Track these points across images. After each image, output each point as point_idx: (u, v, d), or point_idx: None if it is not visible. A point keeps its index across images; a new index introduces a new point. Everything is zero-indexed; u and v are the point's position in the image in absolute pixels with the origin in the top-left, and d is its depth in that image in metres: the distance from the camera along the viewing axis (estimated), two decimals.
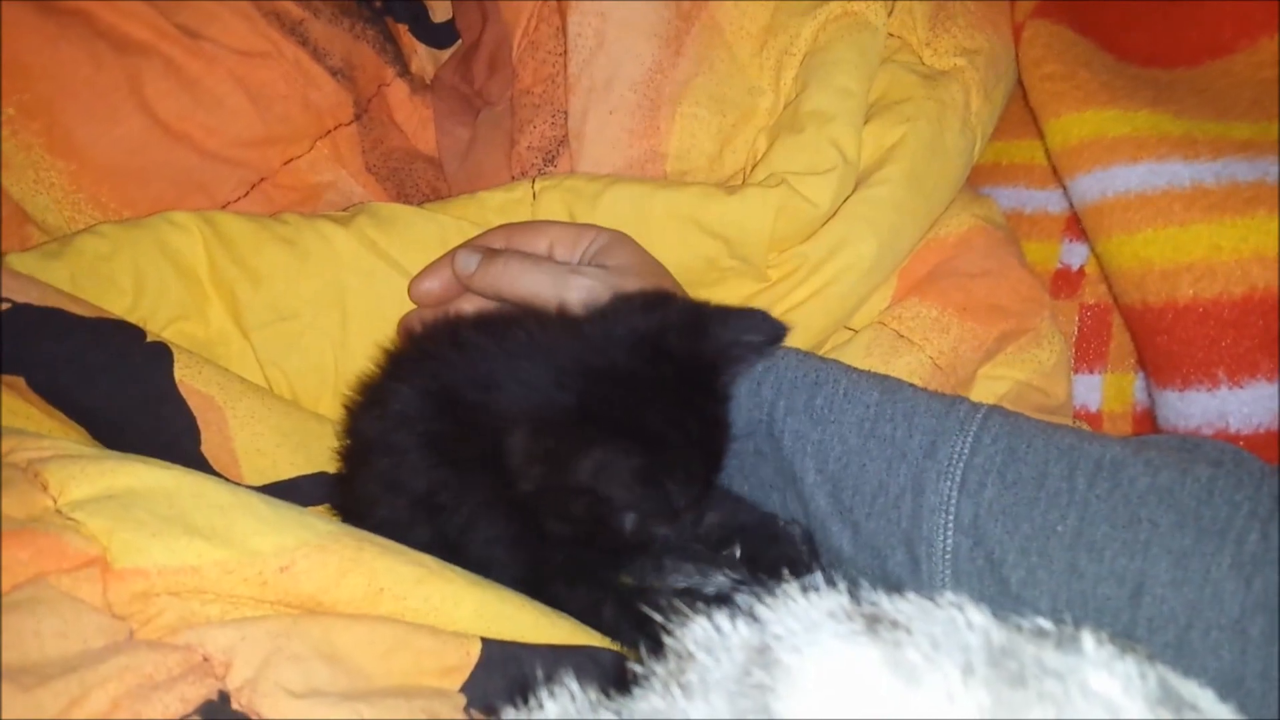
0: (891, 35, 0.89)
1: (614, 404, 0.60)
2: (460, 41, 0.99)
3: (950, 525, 0.60)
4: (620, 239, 0.76)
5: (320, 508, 0.71)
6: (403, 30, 0.98)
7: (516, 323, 0.66)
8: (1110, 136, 0.78)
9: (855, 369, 0.69)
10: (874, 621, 0.30)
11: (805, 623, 0.29)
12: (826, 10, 0.87)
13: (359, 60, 0.91)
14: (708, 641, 0.30)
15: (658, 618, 0.33)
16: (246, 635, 0.51)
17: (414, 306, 0.79)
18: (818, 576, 0.32)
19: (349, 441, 0.70)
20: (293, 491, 0.70)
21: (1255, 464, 0.57)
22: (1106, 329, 0.84)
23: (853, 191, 0.82)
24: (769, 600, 0.30)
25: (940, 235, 0.87)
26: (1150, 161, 0.75)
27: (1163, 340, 0.73)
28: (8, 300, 0.67)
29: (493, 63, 0.94)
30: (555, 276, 0.72)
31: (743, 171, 0.88)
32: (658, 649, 0.32)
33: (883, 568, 0.63)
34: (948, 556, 0.60)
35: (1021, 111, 0.91)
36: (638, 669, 0.32)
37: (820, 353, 0.82)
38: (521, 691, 0.39)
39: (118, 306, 0.73)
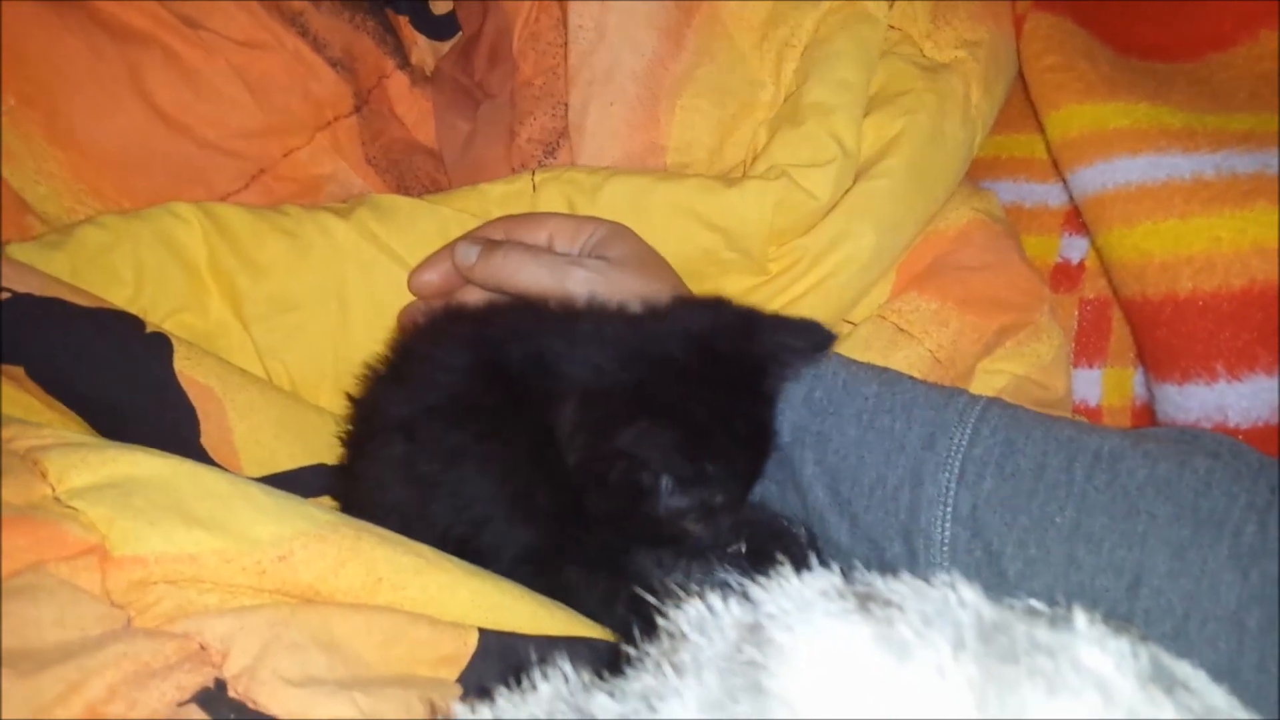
0: (892, 27, 0.89)
1: (665, 390, 0.62)
2: (461, 33, 0.99)
3: (948, 517, 0.60)
4: (620, 230, 0.76)
5: (320, 499, 0.71)
6: (403, 22, 0.98)
7: (578, 313, 0.67)
8: (1111, 129, 0.78)
9: (854, 362, 0.69)
10: (867, 600, 0.30)
11: (798, 601, 0.29)
12: (828, 3, 0.87)
13: (359, 52, 0.91)
14: (700, 621, 0.30)
15: (653, 601, 0.33)
16: (244, 624, 0.51)
17: (414, 298, 0.79)
18: (813, 558, 0.32)
19: (362, 420, 0.70)
20: (292, 483, 0.70)
21: (1253, 456, 0.57)
22: (1106, 323, 0.83)
23: (853, 184, 0.82)
24: (763, 581, 0.30)
25: (940, 229, 0.87)
26: (1150, 154, 0.75)
27: (1162, 333, 0.73)
28: (8, 290, 0.67)
29: (493, 55, 0.94)
30: (555, 268, 0.72)
31: (743, 164, 0.87)
32: (652, 632, 0.32)
33: (880, 559, 0.63)
34: (945, 548, 0.60)
35: (1022, 105, 0.91)
36: (632, 652, 0.32)
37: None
38: (518, 680, 0.39)
39: (118, 297, 0.73)
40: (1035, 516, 0.58)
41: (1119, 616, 0.54)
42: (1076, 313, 0.85)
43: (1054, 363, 0.83)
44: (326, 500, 0.70)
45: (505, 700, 0.34)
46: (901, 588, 0.30)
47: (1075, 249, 0.86)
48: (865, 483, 0.64)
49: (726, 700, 0.27)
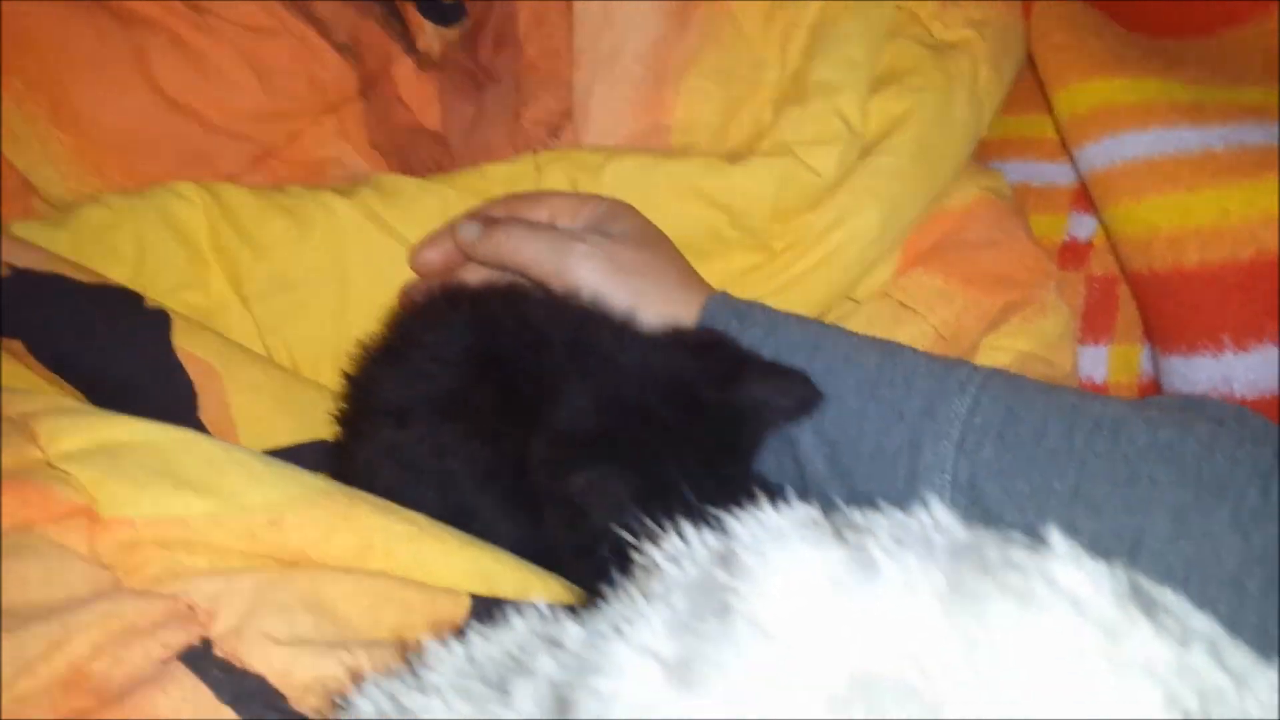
0: (899, 7, 0.88)
1: (633, 441, 0.60)
2: (467, 18, 0.99)
3: (947, 485, 0.60)
4: (622, 207, 0.76)
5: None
6: (409, 7, 0.97)
7: (576, 325, 0.66)
8: (1119, 104, 0.77)
9: (855, 334, 0.68)
10: (842, 528, 0.29)
11: (772, 530, 0.29)
12: None
13: (365, 37, 0.91)
14: (674, 553, 0.30)
15: (628, 537, 0.32)
16: (232, 585, 0.51)
17: (415, 276, 0.79)
18: (789, 491, 0.32)
19: (355, 400, 0.69)
20: (291, 458, 0.69)
21: (1258, 421, 0.56)
22: (1113, 301, 0.82)
23: (858, 162, 0.82)
24: (738, 513, 0.30)
25: (946, 206, 0.86)
26: (1159, 128, 0.74)
27: (1169, 306, 0.72)
28: (8, 265, 0.67)
29: (499, 39, 0.93)
30: (555, 243, 0.72)
31: (749, 144, 0.87)
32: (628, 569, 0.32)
33: None
34: None
35: (1031, 86, 0.91)
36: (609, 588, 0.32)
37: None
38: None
39: (119, 274, 0.73)
40: (1035, 483, 0.57)
41: None
42: (1084, 290, 0.84)
43: (1060, 339, 0.82)
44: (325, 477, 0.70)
45: (476, 634, 0.34)
46: (878, 516, 0.30)
47: (1083, 227, 0.85)
48: (864, 453, 0.63)
49: (693, 621, 0.27)
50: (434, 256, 0.77)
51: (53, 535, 0.50)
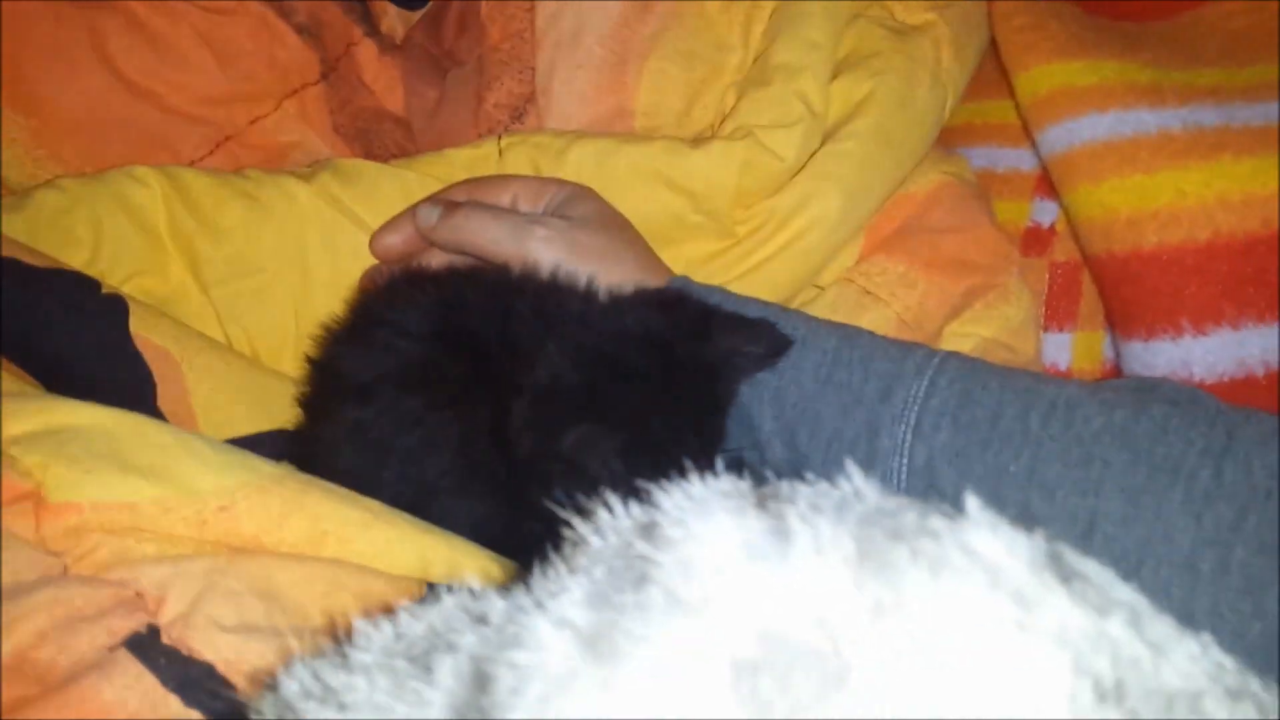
0: None
1: (616, 395, 0.61)
2: (431, 1, 0.98)
3: (904, 468, 0.60)
4: (583, 191, 0.76)
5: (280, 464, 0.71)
6: None
7: (545, 293, 0.67)
8: (1078, 86, 0.77)
9: (815, 318, 0.68)
10: (766, 499, 0.29)
11: (696, 501, 0.29)
12: None
13: (327, 19, 0.91)
14: (599, 525, 0.30)
15: (559, 511, 0.32)
16: (181, 571, 0.50)
17: (376, 262, 0.78)
18: (719, 464, 0.32)
19: (318, 383, 0.69)
20: (251, 447, 0.69)
21: (1210, 402, 0.57)
22: (1077, 287, 0.83)
23: (820, 146, 0.81)
24: (665, 484, 0.30)
25: (909, 191, 0.86)
26: (1118, 110, 0.75)
27: (1128, 290, 0.72)
28: None
29: (462, 22, 0.93)
30: (516, 227, 0.71)
31: (712, 128, 0.87)
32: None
33: None
34: None
35: (995, 72, 0.90)
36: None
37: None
38: None
39: (76, 260, 0.73)
40: (990, 466, 0.57)
41: None
42: (1047, 276, 0.84)
43: (1023, 325, 0.82)
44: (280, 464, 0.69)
45: (406, 613, 0.33)
46: (802, 486, 0.30)
47: (1047, 213, 0.86)
48: (822, 437, 0.63)
49: (612, 593, 0.27)
50: (394, 241, 0.76)
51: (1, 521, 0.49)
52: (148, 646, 0.47)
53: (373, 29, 0.94)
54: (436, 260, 0.75)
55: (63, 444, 0.52)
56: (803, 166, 0.80)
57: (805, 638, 0.25)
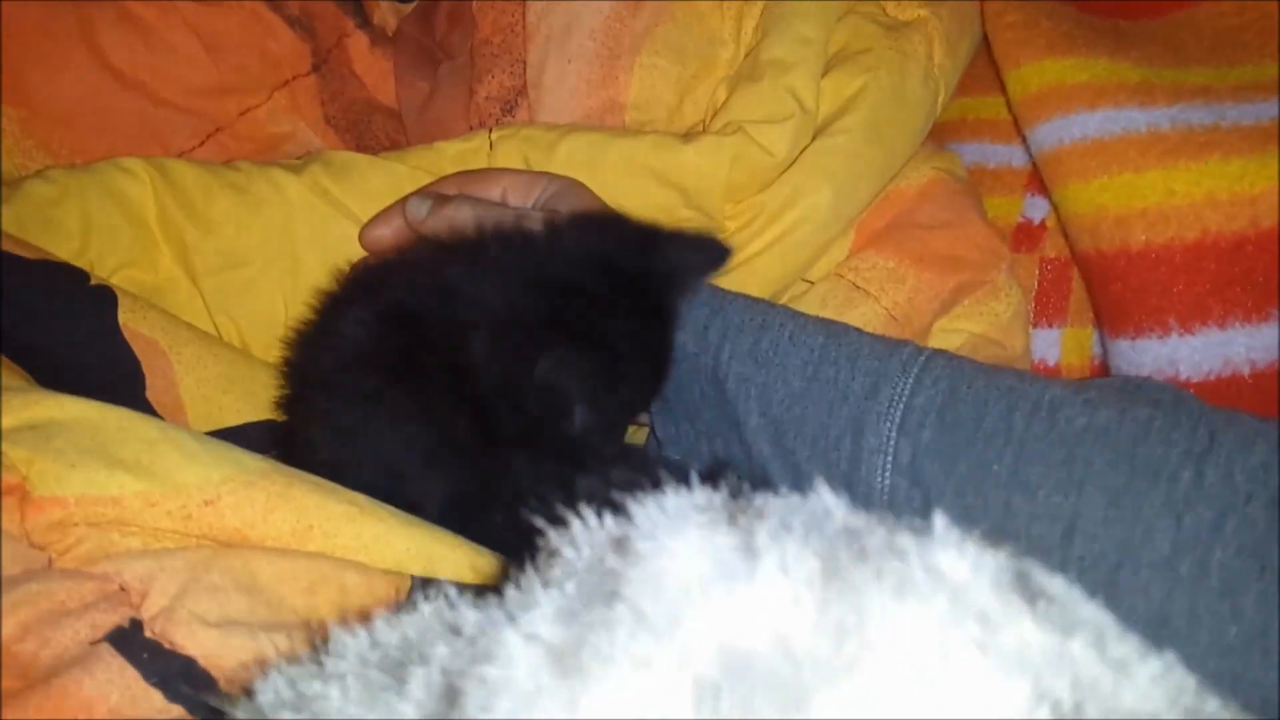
0: None
1: (572, 313, 0.62)
2: None
3: (889, 466, 0.60)
4: (573, 185, 0.76)
5: (268, 455, 0.71)
6: None
7: (481, 243, 0.67)
8: (1069, 84, 0.77)
9: (802, 314, 0.68)
10: (738, 513, 0.29)
11: (669, 514, 0.29)
12: None
13: (318, 11, 0.91)
14: (573, 536, 0.30)
15: (538, 521, 0.32)
16: (164, 565, 0.50)
17: (366, 254, 0.78)
18: (693, 475, 0.32)
19: (290, 382, 0.70)
20: (239, 438, 0.69)
21: (1194, 403, 0.57)
22: (1066, 283, 0.83)
23: (811, 142, 0.81)
24: (640, 496, 0.30)
25: (900, 187, 0.86)
26: (1108, 108, 0.75)
27: (1115, 288, 0.72)
28: None
29: (454, 14, 0.93)
30: (505, 221, 0.71)
31: (704, 123, 0.87)
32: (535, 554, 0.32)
33: None
34: (885, 498, 0.60)
35: (986, 68, 0.90)
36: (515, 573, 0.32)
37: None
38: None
39: (64, 251, 0.73)
40: (973, 465, 0.57)
41: (1054, 563, 0.53)
42: (1037, 272, 0.84)
43: (1012, 321, 0.82)
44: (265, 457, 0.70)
45: (383, 621, 0.34)
46: (775, 501, 0.30)
47: (1037, 209, 0.86)
48: (808, 434, 0.63)
49: (582, 608, 0.27)
50: (384, 233, 0.76)
51: None
52: (130, 641, 0.47)
53: (364, 21, 0.94)
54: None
55: (48, 438, 0.52)
56: (793, 162, 0.80)
57: (768, 659, 0.25)
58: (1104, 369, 0.79)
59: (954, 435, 0.58)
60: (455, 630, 0.30)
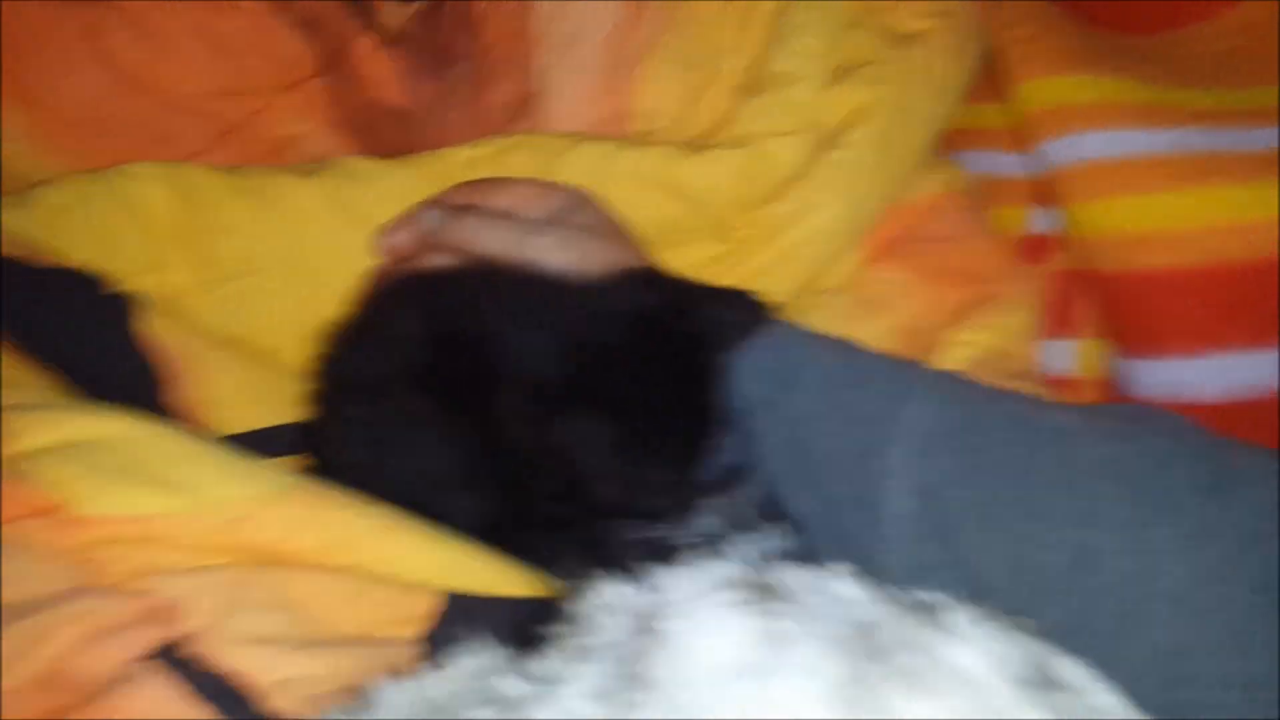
0: None
1: (603, 381, 0.62)
2: None
3: (901, 490, 0.60)
4: (583, 197, 0.76)
5: (283, 459, 0.71)
6: None
7: (525, 288, 0.68)
8: (1076, 103, 0.77)
9: (814, 333, 0.69)
10: (763, 591, 0.30)
11: (696, 590, 0.29)
12: None
13: (325, 13, 0.90)
14: (607, 606, 0.31)
15: (567, 583, 0.33)
16: (203, 583, 0.51)
17: (378, 262, 0.78)
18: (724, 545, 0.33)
19: (325, 379, 0.70)
20: (254, 443, 0.70)
21: (1203, 436, 0.57)
22: (1076, 293, 0.83)
23: (819, 154, 0.82)
24: (670, 568, 0.31)
25: (908, 200, 0.87)
26: (1113, 129, 0.75)
27: (1120, 309, 0.73)
28: None
29: (457, 20, 0.93)
30: (516, 235, 0.72)
31: (711, 133, 0.87)
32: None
33: (838, 533, 0.63)
34: (899, 521, 0.60)
35: (991, 75, 0.91)
36: (550, 631, 0.33)
37: (784, 317, 0.82)
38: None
39: (75, 258, 0.72)
40: (985, 491, 0.58)
41: (1066, 594, 0.54)
42: (1046, 284, 0.85)
43: (1021, 334, 0.83)
44: (289, 461, 0.70)
45: (421, 680, 0.34)
46: (799, 578, 0.30)
47: (1044, 221, 0.86)
48: (820, 456, 0.63)
49: (613, 688, 0.28)
50: (396, 242, 0.77)
51: (24, 534, 0.50)
52: (173, 658, 0.48)
53: (372, 23, 0.93)
54: (438, 262, 0.76)
55: (85, 457, 0.53)
56: (801, 174, 0.81)
57: None
58: (1118, 381, 0.80)
59: (966, 461, 0.59)
60: (493, 697, 0.31)
